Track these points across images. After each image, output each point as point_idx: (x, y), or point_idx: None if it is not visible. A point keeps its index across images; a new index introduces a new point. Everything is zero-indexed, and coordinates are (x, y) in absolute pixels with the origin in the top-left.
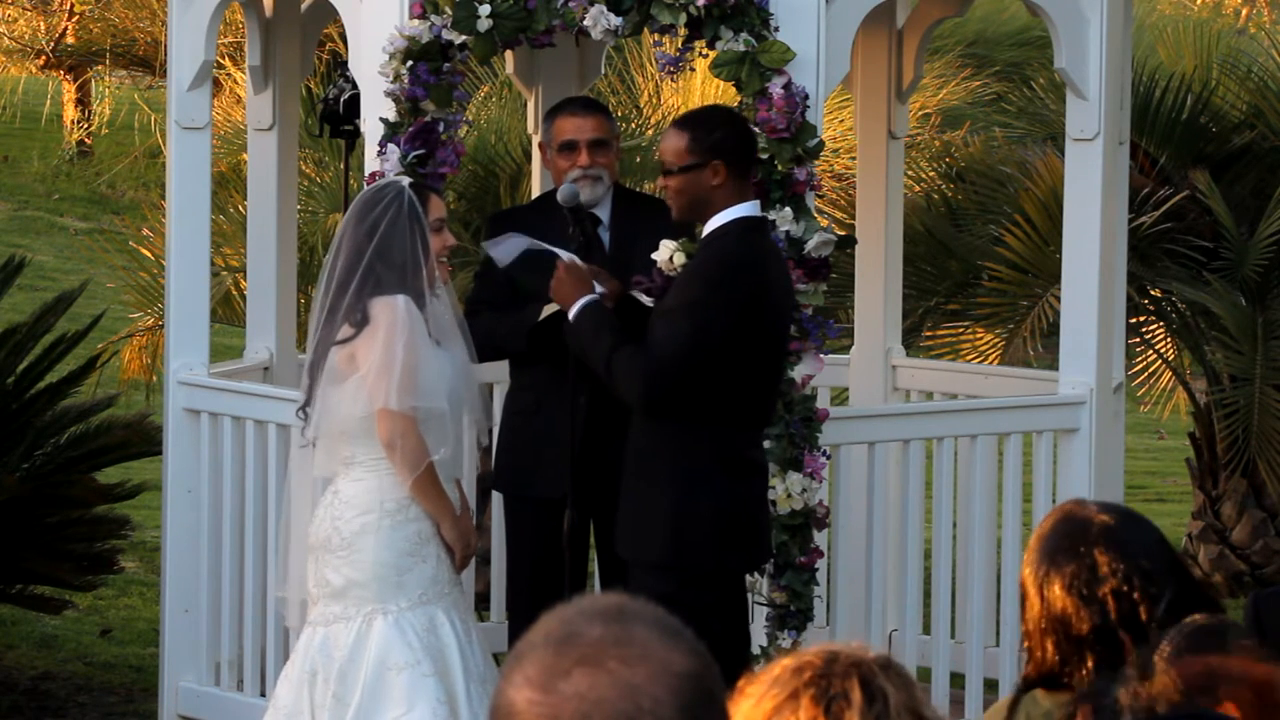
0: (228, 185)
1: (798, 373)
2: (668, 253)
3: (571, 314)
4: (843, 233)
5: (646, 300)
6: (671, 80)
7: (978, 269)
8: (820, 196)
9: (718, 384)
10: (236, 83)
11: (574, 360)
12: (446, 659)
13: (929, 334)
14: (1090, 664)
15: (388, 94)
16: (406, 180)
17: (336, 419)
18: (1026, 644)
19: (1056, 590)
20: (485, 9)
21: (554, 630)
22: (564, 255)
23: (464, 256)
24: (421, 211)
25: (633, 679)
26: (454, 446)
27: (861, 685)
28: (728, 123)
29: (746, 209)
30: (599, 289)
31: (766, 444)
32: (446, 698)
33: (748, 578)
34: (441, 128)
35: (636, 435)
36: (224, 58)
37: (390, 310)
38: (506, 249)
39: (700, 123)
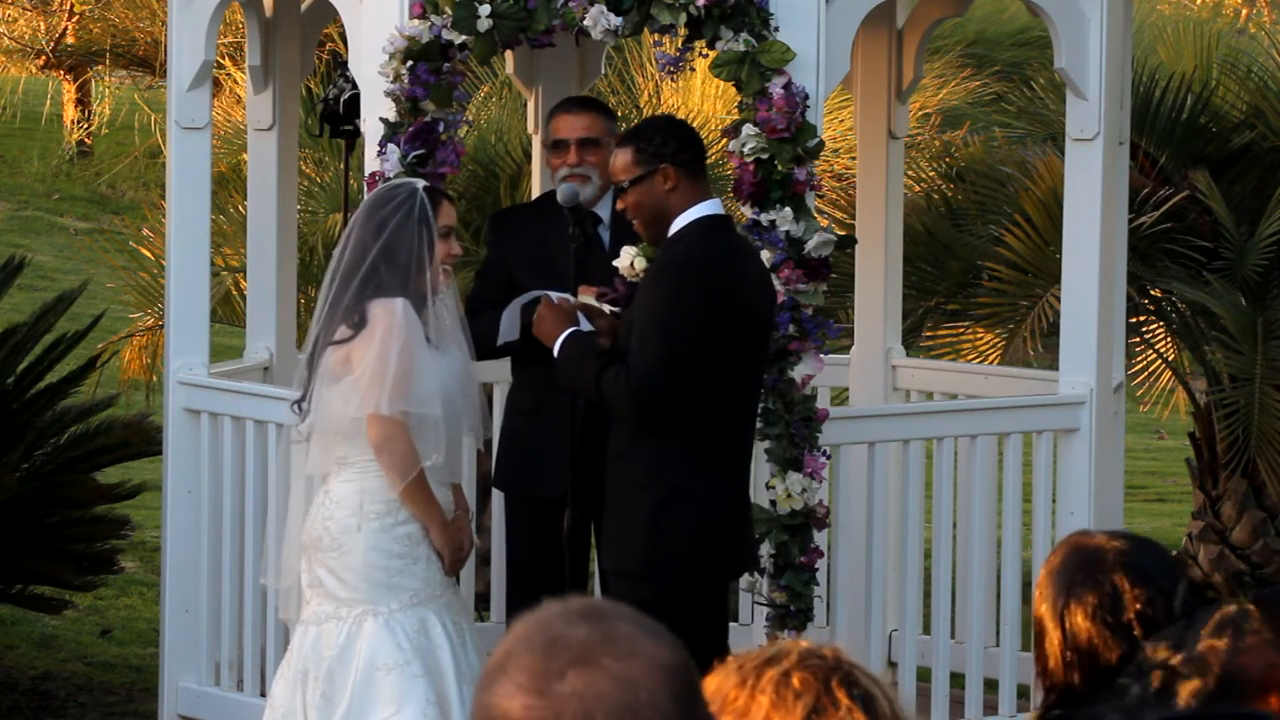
0: (228, 185)
1: (798, 373)
2: (628, 259)
3: (555, 350)
4: (843, 233)
5: (611, 309)
6: (671, 80)
7: (978, 269)
8: (820, 196)
9: (701, 384)
10: (236, 83)
11: None
12: (438, 661)
13: (929, 334)
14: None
15: (388, 94)
16: (421, 182)
17: (329, 418)
18: (1046, 681)
19: (1079, 620)
20: (485, 9)
21: (534, 635)
22: (554, 296)
23: (464, 257)
24: (432, 215)
25: (628, 673)
26: (449, 452)
27: (869, 680)
28: (668, 128)
29: (706, 208)
30: (586, 325)
31: (766, 444)
32: (437, 699)
33: (745, 578)
34: (441, 128)
35: (615, 442)
36: (224, 58)
37: (388, 314)
38: (509, 326)
39: (641, 134)
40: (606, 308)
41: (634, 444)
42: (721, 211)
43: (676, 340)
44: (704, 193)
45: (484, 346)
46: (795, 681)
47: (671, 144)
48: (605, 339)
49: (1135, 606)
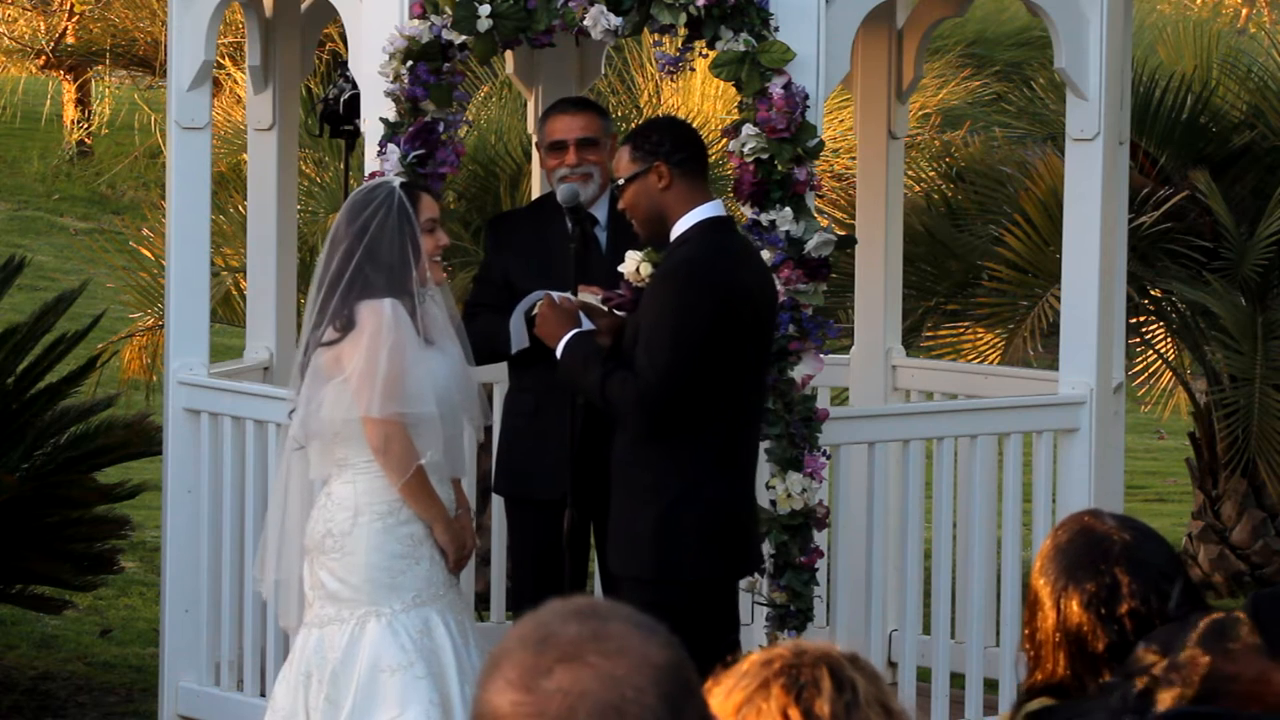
0: (228, 185)
1: (798, 373)
2: (634, 263)
3: (559, 351)
4: (843, 233)
5: (617, 312)
6: (671, 80)
7: (978, 269)
8: (820, 196)
9: (705, 389)
10: (236, 83)
11: None
12: (441, 661)
13: (929, 334)
14: (1106, 678)
15: (388, 94)
16: (397, 180)
17: (323, 422)
18: (1032, 651)
19: (1074, 606)
20: (485, 9)
21: (529, 633)
22: (555, 296)
23: (464, 257)
24: (412, 212)
25: (614, 671)
26: (447, 448)
27: (831, 674)
28: (666, 127)
29: (707, 210)
30: (587, 324)
31: (766, 444)
32: (440, 699)
33: (745, 579)
34: (441, 128)
35: (619, 447)
36: (224, 58)
37: (376, 316)
38: (519, 334)
39: (639, 132)
40: (618, 313)
41: (638, 449)
42: (723, 213)
43: (683, 346)
44: (704, 195)
45: (483, 350)
46: (748, 669)
47: (667, 143)
48: (606, 337)
49: (1131, 602)
